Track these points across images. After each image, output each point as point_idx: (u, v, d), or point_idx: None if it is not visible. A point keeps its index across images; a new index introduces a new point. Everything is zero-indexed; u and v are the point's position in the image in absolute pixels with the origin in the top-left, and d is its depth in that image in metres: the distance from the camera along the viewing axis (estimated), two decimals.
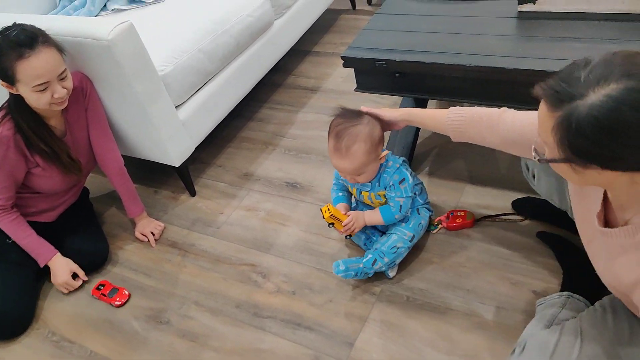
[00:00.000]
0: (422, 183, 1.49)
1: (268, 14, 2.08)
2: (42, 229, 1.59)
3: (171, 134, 1.71)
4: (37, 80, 1.31)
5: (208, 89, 1.86)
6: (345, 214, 1.39)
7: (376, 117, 1.30)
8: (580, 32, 1.30)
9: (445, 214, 1.53)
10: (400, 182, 1.33)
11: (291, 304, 1.45)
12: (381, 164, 1.34)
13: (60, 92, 1.38)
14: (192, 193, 1.90)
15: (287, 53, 2.31)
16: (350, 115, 1.28)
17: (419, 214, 1.44)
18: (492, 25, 1.44)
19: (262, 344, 1.37)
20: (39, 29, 1.35)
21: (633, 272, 0.81)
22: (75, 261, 1.64)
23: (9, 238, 1.54)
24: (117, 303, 1.54)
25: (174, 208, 1.87)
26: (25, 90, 1.35)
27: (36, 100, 1.36)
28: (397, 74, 1.43)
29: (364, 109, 1.31)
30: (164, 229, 1.78)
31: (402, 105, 1.83)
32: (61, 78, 1.38)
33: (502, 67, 1.26)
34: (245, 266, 1.59)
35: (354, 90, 1.59)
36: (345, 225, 1.37)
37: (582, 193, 0.96)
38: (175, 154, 1.75)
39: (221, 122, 1.97)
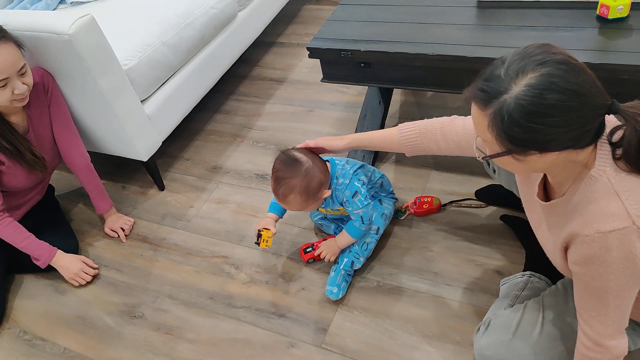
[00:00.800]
0: (382, 176, 1.50)
1: (231, 5, 2.07)
2: None
3: (137, 128, 1.69)
4: None
5: (173, 82, 1.84)
6: (316, 244, 1.46)
7: (321, 150, 1.32)
8: (536, 21, 1.35)
9: (413, 200, 1.58)
10: (353, 196, 1.35)
11: (265, 293, 1.47)
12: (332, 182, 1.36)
13: (21, 88, 1.35)
14: (161, 187, 1.89)
15: (252, 44, 2.31)
16: (290, 163, 1.27)
17: (382, 204, 1.48)
18: (453, 14, 1.48)
19: (238, 334, 1.39)
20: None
21: (566, 232, 0.87)
22: None
23: None
24: None
25: (143, 203, 1.86)
26: None
27: None
28: (362, 64, 1.46)
29: (309, 143, 1.32)
30: (133, 224, 1.77)
31: (367, 94, 1.86)
32: (21, 74, 1.35)
33: (464, 55, 1.30)
34: (218, 258, 1.60)
35: (321, 81, 1.61)
36: (322, 258, 1.45)
37: (526, 180, 1.02)
38: (142, 148, 1.73)
39: (188, 115, 1.96)
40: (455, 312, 1.31)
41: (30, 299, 1.59)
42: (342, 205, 1.39)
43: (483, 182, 1.58)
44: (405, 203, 1.59)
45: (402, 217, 1.57)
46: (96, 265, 1.63)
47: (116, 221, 1.74)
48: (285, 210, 1.48)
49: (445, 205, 1.57)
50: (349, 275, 1.42)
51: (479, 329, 1.13)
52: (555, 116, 0.73)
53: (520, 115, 0.73)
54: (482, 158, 0.86)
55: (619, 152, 0.80)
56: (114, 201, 1.79)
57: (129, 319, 1.48)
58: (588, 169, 0.82)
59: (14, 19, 1.43)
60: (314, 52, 1.50)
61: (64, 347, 1.44)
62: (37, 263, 1.54)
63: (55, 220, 1.73)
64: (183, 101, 1.90)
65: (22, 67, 1.35)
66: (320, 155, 1.34)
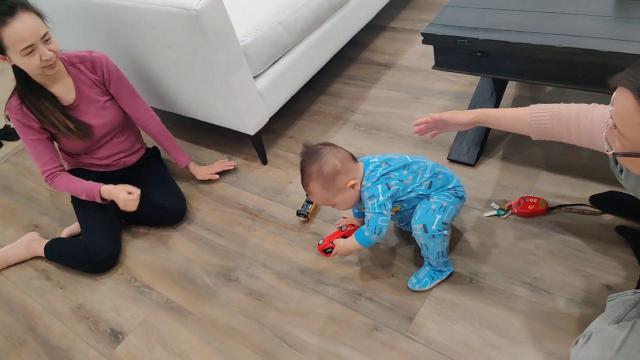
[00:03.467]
0: (436, 175, 1.35)
1: None
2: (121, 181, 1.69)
3: (248, 103, 1.77)
4: (22, 44, 1.40)
5: (285, 61, 1.90)
6: (331, 242, 1.44)
7: (442, 124, 1.28)
8: None
9: (517, 200, 1.50)
10: (369, 198, 1.30)
11: (354, 274, 1.49)
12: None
13: (47, 54, 1.44)
14: (264, 161, 1.98)
15: (363, 28, 2.30)
16: (309, 153, 1.30)
17: (429, 200, 1.34)
18: (587, 4, 1.36)
19: (324, 309, 1.42)
20: None
21: None
22: (155, 215, 1.77)
23: None
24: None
25: (247, 175, 1.95)
26: (15, 57, 1.43)
27: (28, 65, 1.45)
28: (478, 53, 1.40)
29: (433, 116, 1.28)
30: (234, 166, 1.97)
31: (479, 85, 1.79)
32: (45, 40, 1.44)
33: (596, 49, 1.19)
34: (311, 235, 1.65)
35: (432, 68, 1.57)
36: (335, 254, 1.42)
37: None
38: (251, 123, 1.82)
39: (294, 95, 2.01)
40: (553, 322, 1.24)
41: (141, 251, 1.76)
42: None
43: (600, 188, 1.46)
44: (509, 202, 1.51)
45: (504, 216, 1.50)
46: (138, 190, 1.65)
47: (210, 168, 1.94)
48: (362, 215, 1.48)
49: (553, 208, 1.47)
50: (437, 271, 1.37)
51: (577, 341, 1.06)
52: None
53: None
54: (614, 154, 0.79)
55: None
56: (220, 172, 1.91)
57: (224, 281, 1.58)
58: None
59: None
60: (428, 38, 1.46)
61: (167, 297, 1.58)
62: (95, 198, 1.66)
63: (163, 180, 1.87)
64: (292, 80, 1.95)
65: (45, 34, 1.43)
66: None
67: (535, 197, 1.49)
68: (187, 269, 1.65)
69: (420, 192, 1.34)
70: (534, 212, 1.47)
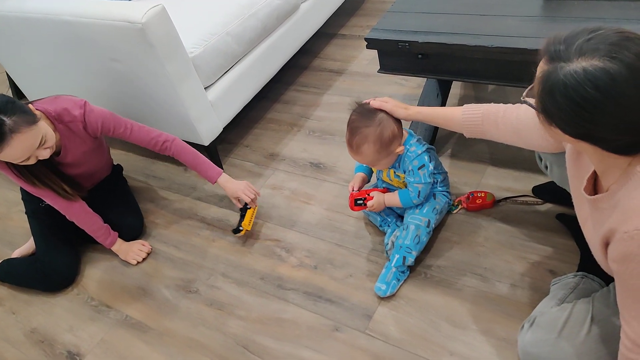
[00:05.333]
0: (445, 173, 1.51)
1: None
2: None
3: (200, 114, 1.78)
4: (18, 160, 1.35)
5: (236, 71, 1.92)
6: (368, 198, 1.45)
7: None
8: (606, 12, 1.29)
9: (466, 195, 1.56)
10: (419, 168, 1.36)
11: (313, 277, 1.51)
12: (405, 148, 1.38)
13: (43, 154, 1.38)
14: None
15: (313, 36, 2.35)
16: (365, 114, 1.32)
17: (435, 199, 1.46)
18: (516, 6, 1.44)
19: (285, 314, 1.44)
20: (4, 108, 1.27)
21: (606, 227, 0.85)
22: None
23: (43, 202, 1.61)
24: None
25: (203, 185, 1.95)
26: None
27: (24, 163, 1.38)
28: (419, 56, 1.45)
29: (373, 104, 1.33)
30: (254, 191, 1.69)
31: (425, 87, 1.85)
32: (41, 144, 1.36)
33: (525, 48, 1.26)
34: (270, 241, 1.66)
35: (378, 72, 1.61)
36: (370, 206, 1.45)
37: (577, 174, 0.98)
38: (204, 133, 1.82)
39: (248, 104, 2.03)
40: (503, 309, 1.29)
41: (97, 268, 1.73)
42: (404, 172, 1.40)
43: (541, 179, 1.53)
44: (458, 197, 1.57)
45: (455, 211, 1.56)
46: (150, 246, 1.72)
47: (240, 187, 1.66)
48: (371, 172, 1.54)
49: (499, 201, 1.54)
50: (401, 272, 1.41)
51: (523, 326, 1.11)
52: (587, 111, 0.72)
53: (558, 91, 0.73)
54: (523, 100, 0.86)
55: None
56: (175, 182, 1.90)
57: (184, 293, 1.57)
58: (634, 165, 0.79)
59: (90, 9, 1.55)
60: (371, 43, 1.51)
61: (126, 314, 1.56)
62: (104, 244, 1.67)
63: (123, 198, 1.85)
64: (244, 89, 1.97)
65: (40, 141, 1.35)
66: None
67: (483, 192, 1.55)
68: (145, 284, 1.63)
69: (436, 181, 1.46)
70: (482, 205, 1.53)
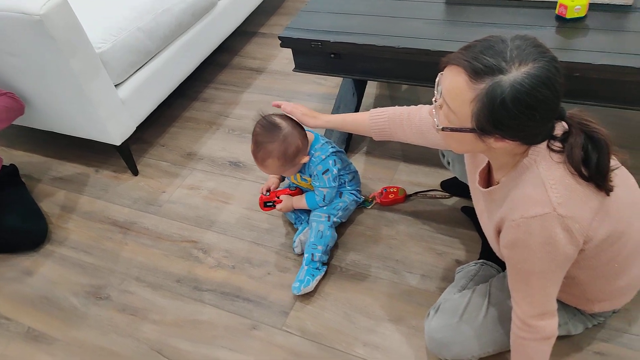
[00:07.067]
0: (355, 172, 1.55)
1: None
2: None
3: (110, 112, 1.70)
4: None
5: (149, 68, 1.85)
6: (278, 197, 1.49)
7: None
8: (498, 18, 1.39)
9: (379, 190, 1.61)
10: (323, 173, 1.40)
11: (231, 277, 1.50)
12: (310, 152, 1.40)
13: None
14: (135, 172, 1.90)
15: (233, 34, 2.32)
16: (269, 128, 1.33)
17: (341, 197, 1.50)
18: (423, 9, 1.51)
19: (201, 316, 1.41)
20: None
21: (497, 216, 0.91)
22: (12, 241, 1.62)
23: None
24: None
25: (116, 187, 1.87)
26: None
27: None
28: (332, 55, 1.48)
29: (284, 108, 1.34)
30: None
31: (342, 86, 1.89)
32: None
33: (428, 49, 1.33)
34: (187, 243, 1.62)
35: (293, 70, 1.63)
36: (279, 209, 1.48)
37: (473, 169, 1.05)
38: (115, 132, 1.75)
39: (165, 102, 1.97)
40: (413, 298, 1.35)
41: None
42: (310, 176, 1.43)
43: (448, 174, 1.62)
44: (372, 193, 1.62)
45: (369, 207, 1.60)
46: None
47: None
48: None
49: (410, 195, 1.60)
50: (315, 269, 1.41)
51: (429, 313, 1.17)
52: (539, 111, 0.76)
53: (512, 100, 0.74)
54: (443, 129, 0.85)
55: (555, 145, 0.84)
56: (86, 184, 1.80)
57: (94, 300, 1.50)
58: (522, 159, 0.86)
59: None
60: (285, 42, 1.52)
61: (28, 326, 1.46)
62: None
63: (21, 202, 1.73)
64: (159, 87, 1.91)
65: None
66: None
67: (395, 187, 1.61)
68: (50, 293, 1.54)
69: (342, 182, 1.48)
70: (395, 200, 1.59)
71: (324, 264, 1.43)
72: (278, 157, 1.31)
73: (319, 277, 1.41)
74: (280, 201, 1.48)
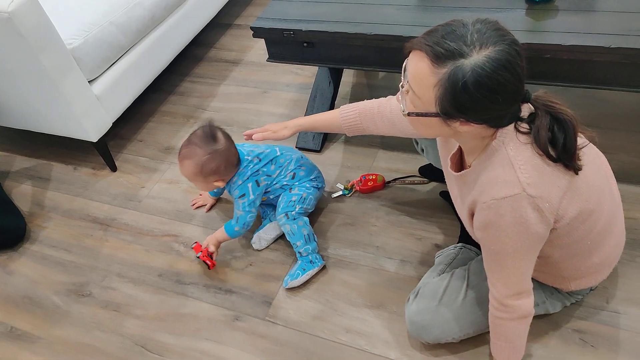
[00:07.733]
0: (300, 167, 1.48)
1: None
2: None
3: (85, 108, 1.68)
4: None
5: (123, 62, 1.83)
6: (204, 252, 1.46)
7: (267, 138, 1.34)
8: (469, 2, 1.40)
9: (358, 178, 1.62)
10: (239, 197, 1.41)
11: (213, 270, 1.50)
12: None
13: None
14: (113, 168, 1.89)
15: (208, 26, 2.30)
16: (208, 136, 1.34)
17: (291, 192, 1.46)
18: None
19: (184, 309, 1.41)
20: None
21: (470, 199, 0.93)
22: None
23: None
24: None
25: (95, 184, 1.85)
26: None
27: None
28: (305, 44, 1.48)
29: (256, 137, 1.34)
30: None
31: (317, 76, 1.88)
32: None
33: (400, 35, 1.33)
34: (168, 237, 1.62)
35: (266, 61, 1.62)
36: (212, 251, 1.45)
37: (446, 154, 1.07)
38: (91, 129, 1.73)
39: (141, 97, 1.95)
40: (394, 284, 1.37)
41: None
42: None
43: (426, 160, 1.63)
44: (352, 181, 1.63)
45: (349, 195, 1.61)
46: None
47: None
48: (220, 192, 1.63)
49: (389, 182, 1.62)
50: (308, 262, 1.40)
51: (409, 298, 1.19)
52: (500, 94, 0.76)
53: (473, 84, 0.75)
54: (408, 114, 0.85)
55: (522, 127, 0.85)
56: (65, 182, 1.79)
57: (76, 298, 1.49)
58: (491, 141, 0.87)
59: None
60: (257, 32, 1.51)
61: (10, 325, 1.45)
62: None
63: None
64: (134, 82, 1.89)
65: None
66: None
67: (374, 174, 1.62)
68: (32, 292, 1.53)
69: (285, 183, 1.46)
70: (374, 187, 1.60)
71: (317, 257, 1.42)
72: (196, 164, 1.32)
73: (310, 272, 1.39)
74: (213, 263, 1.45)
